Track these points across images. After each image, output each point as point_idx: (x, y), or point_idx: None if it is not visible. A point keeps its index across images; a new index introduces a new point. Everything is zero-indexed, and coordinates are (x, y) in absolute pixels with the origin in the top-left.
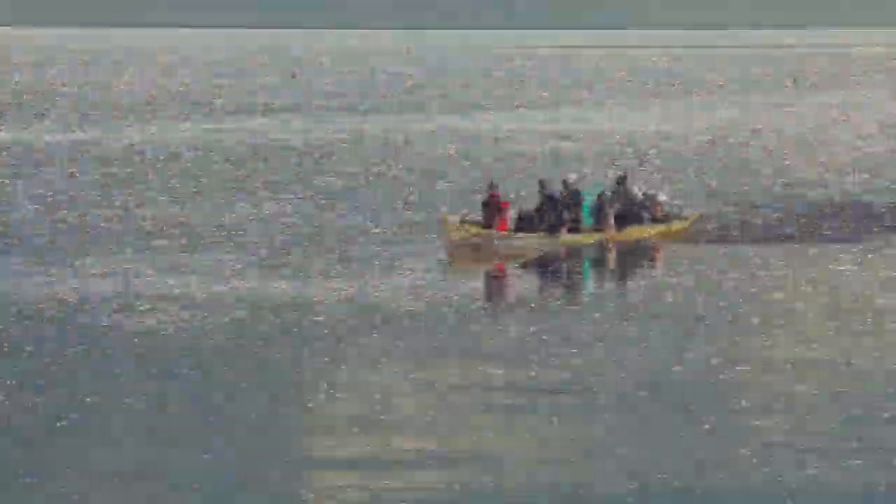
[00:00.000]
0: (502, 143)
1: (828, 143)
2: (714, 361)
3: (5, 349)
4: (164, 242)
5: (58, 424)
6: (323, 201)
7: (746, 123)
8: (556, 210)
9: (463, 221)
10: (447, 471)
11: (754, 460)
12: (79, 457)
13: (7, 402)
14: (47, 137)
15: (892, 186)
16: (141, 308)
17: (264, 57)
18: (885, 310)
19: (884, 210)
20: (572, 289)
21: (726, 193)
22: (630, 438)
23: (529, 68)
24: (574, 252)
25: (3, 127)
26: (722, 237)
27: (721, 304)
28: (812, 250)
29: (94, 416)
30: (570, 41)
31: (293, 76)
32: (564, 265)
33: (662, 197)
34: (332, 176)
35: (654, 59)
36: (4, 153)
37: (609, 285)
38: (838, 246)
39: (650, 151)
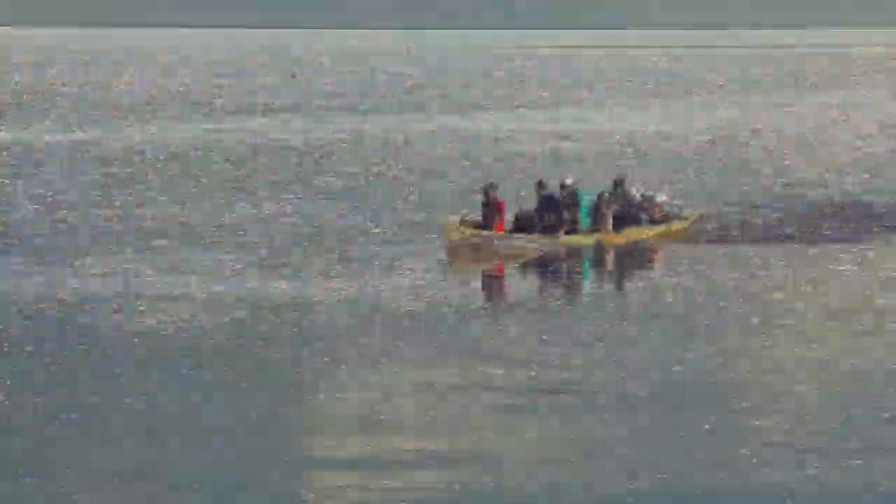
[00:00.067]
0: (502, 143)
1: (828, 143)
2: (714, 361)
3: (5, 349)
4: (164, 242)
5: (58, 424)
6: (323, 201)
7: (746, 123)
8: (553, 211)
9: (462, 222)
10: (447, 471)
11: (754, 460)
12: (79, 457)
13: (7, 402)
14: (47, 137)
15: (892, 186)
16: (141, 308)
17: (264, 57)
18: (885, 310)
19: (884, 210)
20: (571, 289)
21: (726, 193)
22: (630, 438)
23: (529, 68)
24: (573, 253)
25: (3, 127)
26: (722, 237)
27: (721, 304)
28: (812, 250)
29: (94, 416)
30: (570, 41)
31: (293, 76)
32: (563, 266)
33: (661, 198)
34: (332, 176)
35: (654, 59)
36: (4, 153)
37: (608, 286)
38: (838, 246)
39: (649, 151)
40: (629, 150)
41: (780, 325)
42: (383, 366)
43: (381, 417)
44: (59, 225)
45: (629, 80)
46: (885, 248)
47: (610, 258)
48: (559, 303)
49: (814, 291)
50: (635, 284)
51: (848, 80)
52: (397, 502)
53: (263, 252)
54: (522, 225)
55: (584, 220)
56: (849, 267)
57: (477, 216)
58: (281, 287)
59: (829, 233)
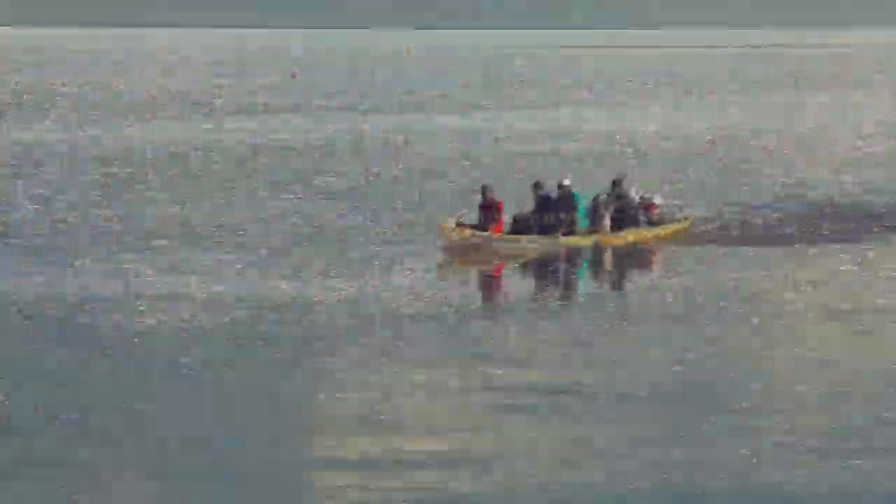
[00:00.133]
0: (502, 143)
1: (828, 143)
2: (714, 361)
3: (5, 349)
4: (164, 242)
5: (58, 424)
6: (323, 201)
7: (746, 123)
8: (551, 212)
9: (459, 224)
10: (447, 471)
11: (754, 460)
12: (79, 457)
13: (7, 402)
14: (47, 137)
15: (892, 186)
16: (141, 308)
17: (264, 57)
18: (885, 310)
19: (884, 210)
20: (570, 290)
21: (726, 193)
22: (629, 438)
23: (529, 68)
24: (571, 254)
25: (3, 127)
26: (722, 237)
27: (721, 304)
28: (812, 250)
29: (93, 415)
30: (571, 41)
31: (293, 76)
32: (562, 267)
33: (658, 199)
34: (332, 176)
35: (654, 59)
36: (4, 153)
37: (607, 286)
38: (838, 246)
39: (649, 152)
40: (629, 150)
41: (780, 325)
42: (383, 366)
43: (381, 417)
44: (59, 225)
45: (629, 80)
46: (885, 248)
47: (608, 259)
48: (558, 303)
49: (814, 291)
50: (634, 285)
51: (848, 80)
52: (396, 502)
53: (263, 252)
54: (520, 227)
55: (582, 222)
56: (849, 267)
57: (473, 217)
58: (281, 287)
59: (829, 233)
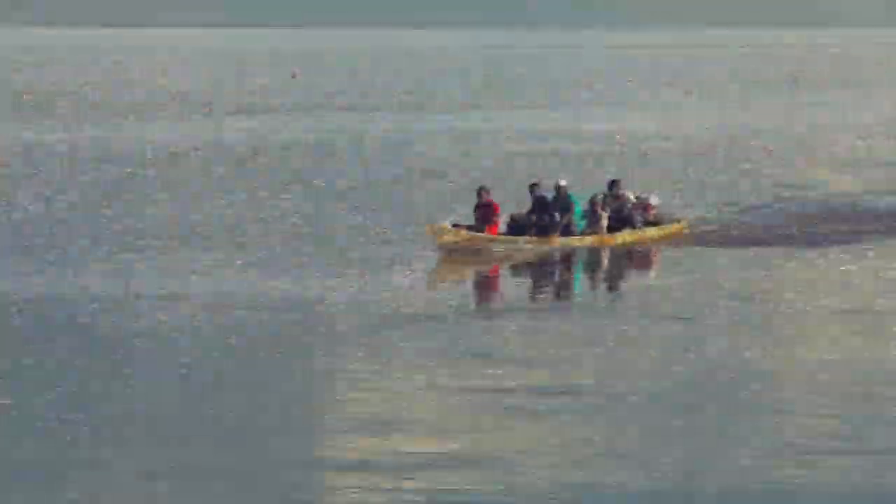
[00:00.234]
0: (502, 143)
1: (828, 143)
2: (713, 362)
3: (6, 349)
4: (164, 242)
5: (57, 424)
6: (323, 201)
7: (746, 123)
8: (547, 212)
9: (455, 225)
10: (447, 471)
11: (755, 460)
12: (78, 457)
13: (7, 402)
14: (47, 137)
15: (892, 186)
16: (141, 308)
17: (264, 57)
18: (885, 310)
19: (884, 210)
20: (567, 291)
21: (726, 193)
22: (630, 439)
23: (529, 68)
24: (568, 255)
25: (3, 127)
26: (722, 237)
27: (720, 304)
28: (812, 250)
29: (93, 415)
30: (571, 41)
31: (293, 76)
32: (558, 268)
33: (655, 199)
34: (332, 176)
35: (653, 58)
36: (4, 153)
37: (604, 287)
38: (838, 246)
39: (649, 152)
40: (629, 150)
41: (781, 325)
42: (383, 366)
43: (380, 417)
44: (59, 225)
45: (629, 80)
46: (885, 249)
47: (605, 259)
48: (555, 305)
49: (814, 291)
50: (631, 285)
51: (848, 80)
52: (395, 502)
53: (263, 252)
54: (516, 228)
55: (580, 223)
56: (849, 267)
57: (468, 218)
58: (281, 287)
59: (829, 233)
